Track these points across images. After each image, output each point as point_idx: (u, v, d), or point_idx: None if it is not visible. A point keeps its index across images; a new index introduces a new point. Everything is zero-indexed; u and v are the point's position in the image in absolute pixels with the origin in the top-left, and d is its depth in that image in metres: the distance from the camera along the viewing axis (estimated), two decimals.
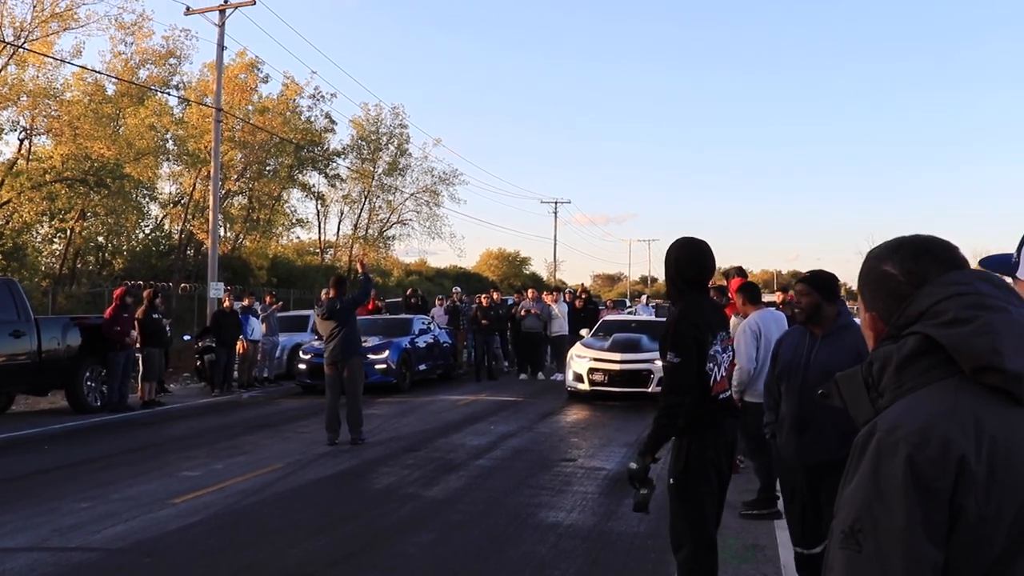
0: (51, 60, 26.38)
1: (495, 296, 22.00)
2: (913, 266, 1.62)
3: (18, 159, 28.23)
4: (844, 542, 1.43)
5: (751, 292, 8.33)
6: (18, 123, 27.93)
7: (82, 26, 27.19)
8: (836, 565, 1.43)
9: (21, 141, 28.69)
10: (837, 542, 1.44)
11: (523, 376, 20.03)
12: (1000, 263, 1.97)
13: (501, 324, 20.56)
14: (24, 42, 25.31)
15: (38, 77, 27.00)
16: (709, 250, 4.37)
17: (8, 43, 25.00)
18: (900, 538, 1.38)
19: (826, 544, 1.53)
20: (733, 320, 8.65)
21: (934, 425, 1.42)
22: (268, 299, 19.90)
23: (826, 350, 4.74)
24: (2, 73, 25.66)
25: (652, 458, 4.21)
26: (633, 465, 4.26)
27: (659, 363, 14.92)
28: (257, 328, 18.43)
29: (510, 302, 22.30)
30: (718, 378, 4.28)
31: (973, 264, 1.70)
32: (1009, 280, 2.00)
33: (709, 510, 4.32)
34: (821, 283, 4.92)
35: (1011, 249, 2.16)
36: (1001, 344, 1.46)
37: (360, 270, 12.31)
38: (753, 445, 7.59)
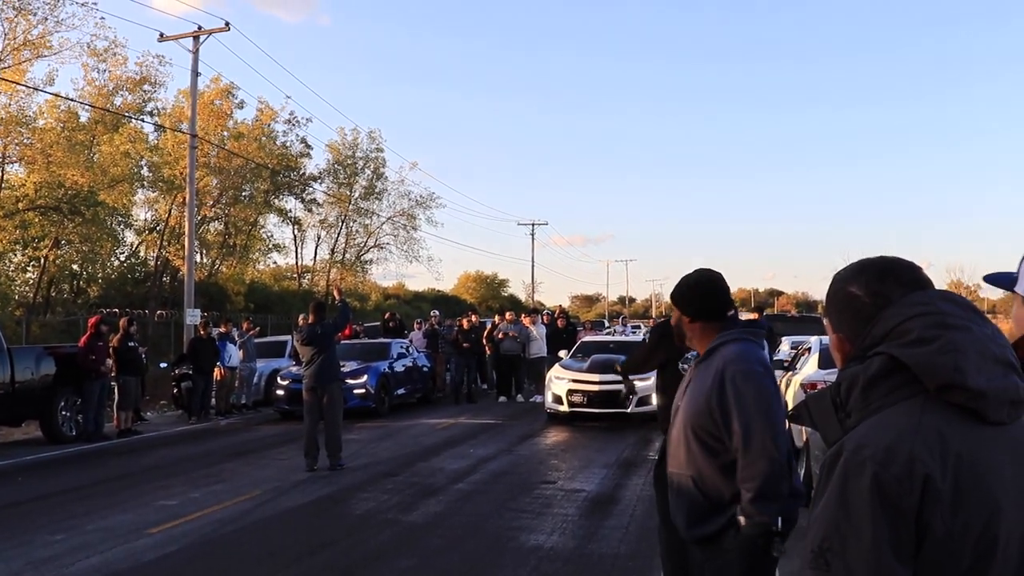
0: (23, 88, 26.25)
1: (474, 318, 21.99)
2: (878, 287, 1.64)
3: None
4: (814, 562, 1.44)
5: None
6: None
7: (55, 53, 27.10)
8: None
9: None
10: (807, 562, 1.45)
11: (502, 399, 19.97)
12: (1002, 279, 2.01)
13: (479, 347, 20.52)
14: None
15: (10, 105, 26.84)
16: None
17: None
18: (868, 556, 1.39)
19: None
20: None
21: (900, 443, 1.44)
22: (245, 325, 19.80)
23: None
24: None
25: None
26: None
27: (638, 383, 15.09)
28: (234, 354, 18.30)
29: (488, 324, 22.27)
30: None
31: (975, 280, 1.74)
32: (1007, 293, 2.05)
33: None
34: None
35: (984, 265, 2.21)
36: (964, 362, 1.48)
37: (337, 296, 12.31)
38: None
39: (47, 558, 7.02)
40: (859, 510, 1.41)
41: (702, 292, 3.57)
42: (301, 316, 19.95)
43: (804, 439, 9.14)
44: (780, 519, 3.04)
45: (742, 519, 3.06)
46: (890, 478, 1.41)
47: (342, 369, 16.95)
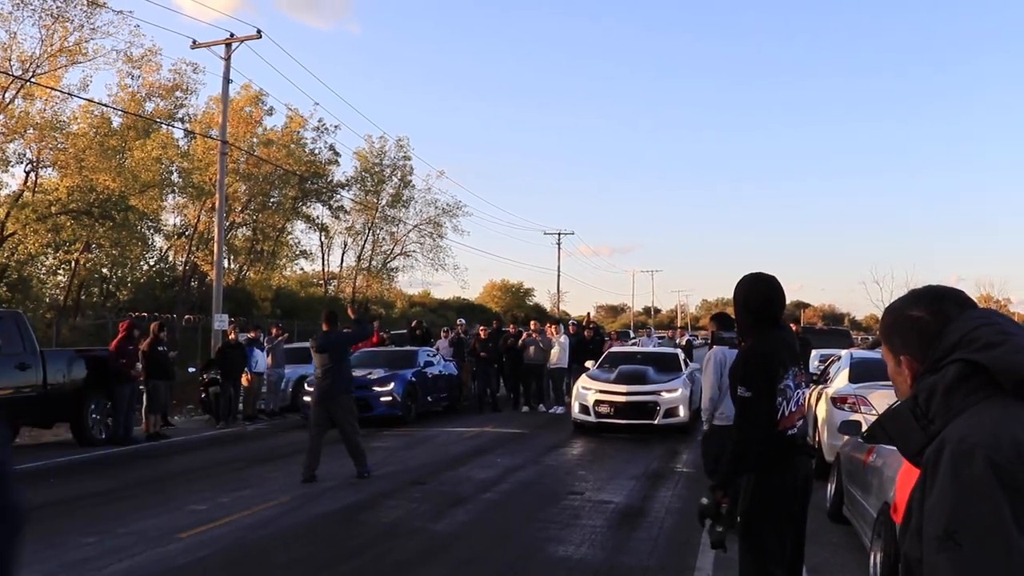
0: (58, 93, 26.56)
1: (495, 326, 21.98)
2: (938, 307, 1.80)
3: (24, 191, 28.35)
4: (942, 545, 1.53)
5: (724, 321, 8.36)
6: (24, 156, 28.11)
7: (90, 60, 27.41)
8: (940, 568, 1.53)
9: (27, 173, 28.84)
10: (934, 547, 1.54)
11: (525, 409, 19.95)
12: None
13: (497, 355, 20.46)
14: (32, 76, 25.51)
15: (45, 110, 27.16)
16: (777, 284, 4.32)
17: (16, 77, 25.19)
18: (996, 532, 1.49)
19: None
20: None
21: (1003, 430, 1.56)
22: (274, 331, 19.87)
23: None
24: (10, 106, 25.83)
25: (723, 494, 4.11)
26: (704, 500, 4.18)
27: (665, 395, 15.07)
28: (262, 360, 18.39)
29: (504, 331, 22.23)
30: (787, 412, 4.16)
31: (1005, 294, 1.89)
32: None
33: (774, 551, 4.18)
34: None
35: (1016, 279, 2.36)
36: None
37: (351, 315, 12.36)
38: (712, 468, 7.62)
39: (80, 560, 7.07)
40: (978, 492, 1.51)
41: None
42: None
43: (835, 454, 9.06)
44: None
45: None
46: (1003, 460, 1.52)
47: (369, 376, 17.17)
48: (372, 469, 11.18)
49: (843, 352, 13.66)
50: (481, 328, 21.63)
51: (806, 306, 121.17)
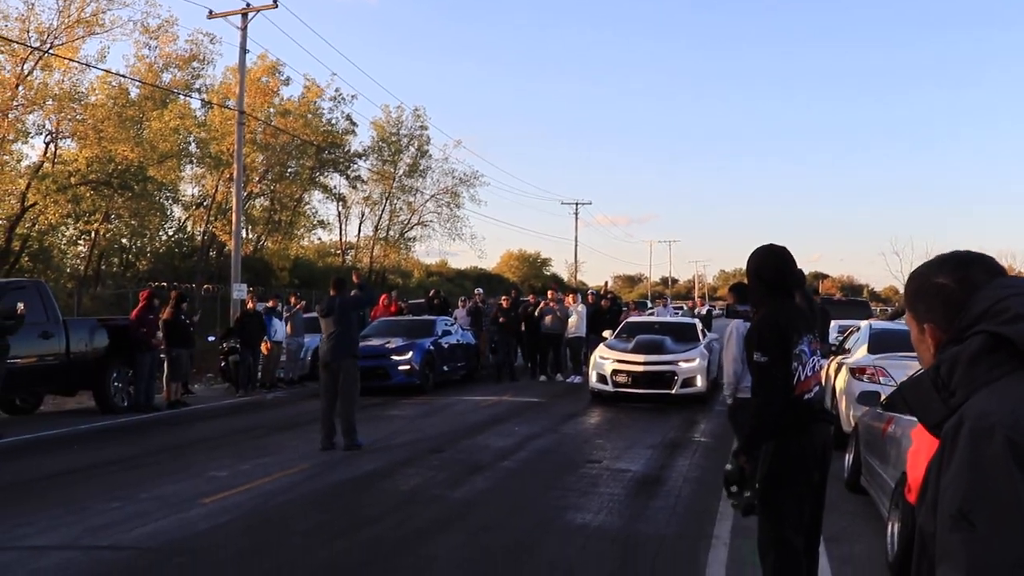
0: (76, 64, 26.60)
1: (514, 295, 22.02)
2: (964, 273, 1.72)
3: (44, 162, 28.48)
4: (955, 525, 1.47)
5: (741, 292, 8.29)
6: (44, 127, 28.20)
7: (107, 31, 27.42)
8: (953, 548, 1.47)
9: (47, 144, 28.95)
10: (948, 526, 1.49)
11: (542, 378, 20.01)
12: None
13: (516, 324, 20.50)
14: (50, 47, 25.53)
15: (63, 81, 27.19)
16: (788, 255, 4.45)
17: (34, 48, 25.22)
18: (1012, 512, 1.43)
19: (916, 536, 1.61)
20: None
21: (1023, 409, 1.50)
22: (292, 299, 19.96)
23: None
24: (29, 77, 25.88)
25: (745, 459, 4.19)
26: (728, 467, 4.27)
27: (683, 365, 15.07)
28: (281, 329, 18.51)
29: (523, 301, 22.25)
30: (802, 377, 4.25)
31: None
32: None
33: (792, 517, 4.24)
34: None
35: None
36: None
37: (356, 280, 12.42)
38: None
39: (104, 525, 7.17)
40: (996, 471, 1.45)
41: None
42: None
43: (853, 425, 9.05)
44: None
45: None
46: (1022, 440, 1.46)
47: (387, 345, 17.25)
48: (363, 442, 10.95)
49: (862, 323, 13.59)
50: (504, 298, 21.67)
51: (824, 277, 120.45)
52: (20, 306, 12.05)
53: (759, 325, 4.30)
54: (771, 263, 4.41)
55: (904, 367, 9.52)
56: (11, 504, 8.02)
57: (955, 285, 1.71)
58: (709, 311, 45.42)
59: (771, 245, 4.48)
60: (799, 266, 4.53)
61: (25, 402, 14.75)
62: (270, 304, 18.62)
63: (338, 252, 47.69)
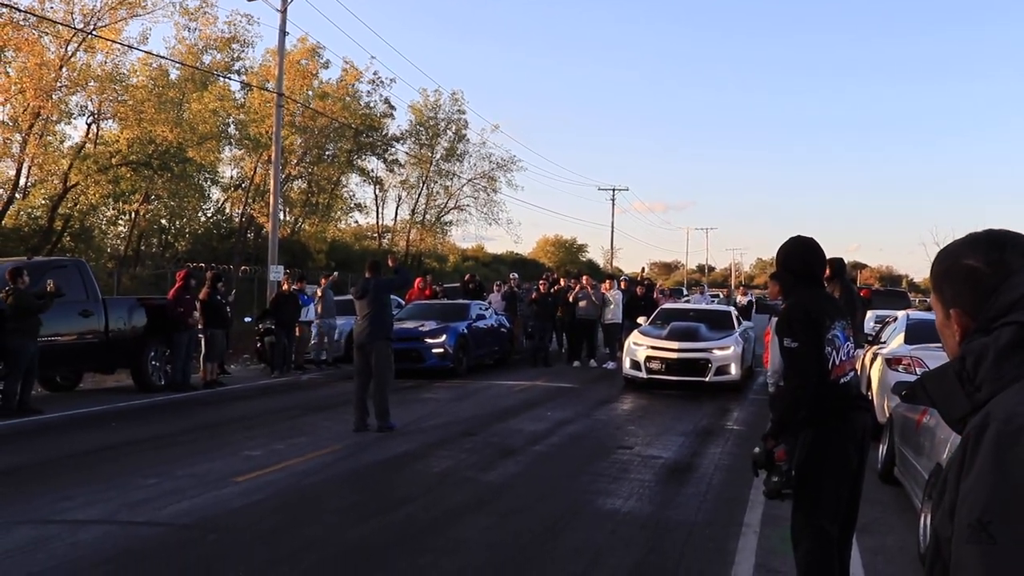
0: (118, 46, 26.89)
1: (552, 279, 22.02)
2: (998, 256, 1.55)
3: (85, 143, 28.88)
4: (973, 536, 1.34)
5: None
6: (86, 108, 28.59)
7: (148, 13, 27.69)
8: (968, 560, 1.34)
9: (89, 125, 29.40)
10: (964, 536, 1.35)
11: (576, 363, 19.99)
12: None
13: (552, 309, 20.49)
14: (93, 29, 25.83)
15: (106, 63, 27.55)
16: (815, 246, 4.53)
17: (78, 30, 25.52)
18: None
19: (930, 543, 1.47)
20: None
21: None
22: (323, 281, 20.01)
23: None
24: (72, 59, 26.21)
25: (775, 443, 4.21)
26: (756, 450, 4.31)
27: (717, 352, 15.00)
28: (310, 310, 18.58)
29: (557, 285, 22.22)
30: (837, 362, 4.28)
31: None
32: None
33: (828, 506, 4.22)
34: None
35: None
36: None
37: (391, 264, 12.44)
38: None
39: (141, 500, 7.29)
40: (1022, 480, 1.31)
41: None
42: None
43: (887, 415, 8.97)
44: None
45: None
46: None
47: (421, 328, 17.32)
48: (395, 424, 11.00)
49: (899, 313, 13.44)
50: (541, 282, 21.68)
51: (863, 267, 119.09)
52: (50, 283, 12.20)
53: (788, 312, 4.35)
54: (799, 254, 4.50)
55: (941, 358, 9.39)
56: (52, 479, 8.18)
57: (987, 268, 1.54)
58: (751, 302, 44.60)
59: (799, 236, 4.55)
60: (839, 255, 4.62)
61: (65, 379, 15.02)
62: (297, 287, 18.59)
63: (375, 235, 47.89)
